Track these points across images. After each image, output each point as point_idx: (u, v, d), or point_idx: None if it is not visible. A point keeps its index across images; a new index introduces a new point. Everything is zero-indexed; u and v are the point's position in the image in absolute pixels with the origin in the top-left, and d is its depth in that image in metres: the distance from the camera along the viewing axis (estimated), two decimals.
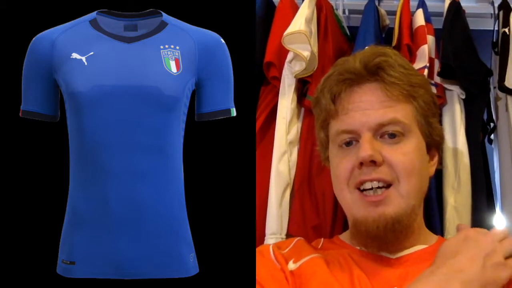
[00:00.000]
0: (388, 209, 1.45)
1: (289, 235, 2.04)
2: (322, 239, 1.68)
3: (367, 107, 1.51)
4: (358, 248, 1.56)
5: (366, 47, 1.67)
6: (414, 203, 1.50)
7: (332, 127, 1.58)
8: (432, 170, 1.62)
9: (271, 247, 1.55)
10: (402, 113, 1.51)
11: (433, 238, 1.62)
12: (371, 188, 1.47)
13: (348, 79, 1.55)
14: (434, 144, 1.61)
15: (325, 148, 1.65)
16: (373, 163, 1.46)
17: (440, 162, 1.69)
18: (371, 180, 1.46)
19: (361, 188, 1.48)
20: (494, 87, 2.28)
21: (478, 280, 1.25)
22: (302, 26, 2.10)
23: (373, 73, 1.54)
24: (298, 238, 1.64)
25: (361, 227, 1.47)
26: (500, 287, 1.27)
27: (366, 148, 1.45)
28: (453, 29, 2.24)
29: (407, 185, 1.47)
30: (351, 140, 1.51)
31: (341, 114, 1.54)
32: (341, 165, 1.52)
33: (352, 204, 1.51)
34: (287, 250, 1.56)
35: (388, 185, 1.47)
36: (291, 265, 1.49)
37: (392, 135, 1.49)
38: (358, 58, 1.56)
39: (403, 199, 1.46)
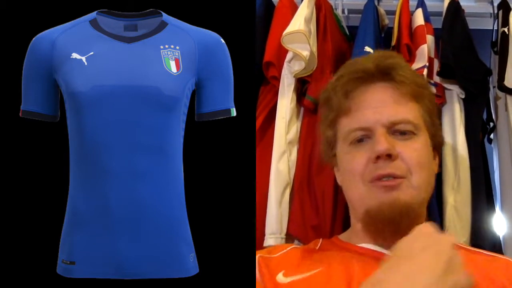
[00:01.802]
0: (401, 195, 1.48)
1: (288, 234, 2.04)
2: (321, 239, 1.68)
3: (379, 104, 1.56)
4: (359, 245, 1.56)
5: (374, 52, 1.70)
6: (424, 196, 1.54)
7: (343, 125, 1.61)
8: (436, 168, 1.65)
9: (257, 259, 1.55)
10: (412, 113, 1.56)
11: None
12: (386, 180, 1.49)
13: (361, 78, 1.60)
14: (436, 145, 1.64)
15: (332, 147, 1.66)
16: (389, 157, 1.48)
17: (440, 164, 1.71)
18: (387, 175, 1.48)
19: None
20: (494, 87, 2.28)
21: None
22: (302, 26, 2.10)
23: (385, 73, 1.59)
24: (292, 246, 1.64)
25: (378, 215, 1.49)
26: None
27: (383, 142, 1.49)
28: (453, 28, 2.25)
29: (419, 177, 1.51)
30: (363, 137, 1.54)
31: (354, 111, 1.58)
32: (355, 160, 1.54)
33: (366, 195, 1.52)
34: (277, 255, 1.56)
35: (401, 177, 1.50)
36: (281, 278, 1.49)
37: (403, 133, 1.53)
38: (370, 59, 1.62)
39: (414, 190, 1.50)
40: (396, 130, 1.53)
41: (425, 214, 1.60)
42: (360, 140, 1.56)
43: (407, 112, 1.55)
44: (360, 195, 1.55)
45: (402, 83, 1.57)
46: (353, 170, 1.55)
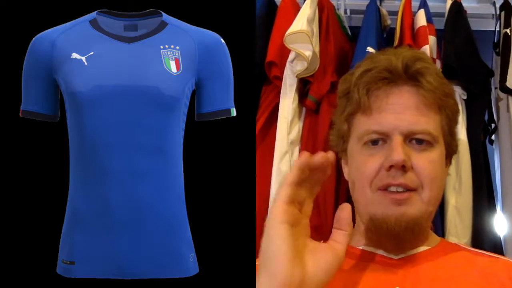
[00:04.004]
0: (409, 209, 1.44)
1: None
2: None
3: (402, 111, 1.50)
4: (360, 248, 1.55)
5: (401, 48, 1.65)
6: (431, 210, 1.50)
7: (360, 123, 1.55)
8: (446, 176, 1.63)
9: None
10: (433, 124, 1.51)
11: (436, 239, 1.61)
12: (396, 191, 1.46)
13: (387, 78, 1.53)
14: (451, 154, 1.61)
15: (344, 141, 1.63)
16: (403, 167, 1.45)
17: None
18: (397, 185, 1.45)
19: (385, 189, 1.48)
20: (496, 88, 2.28)
21: None
22: (304, 26, 2.10)
23: (413, 77, 1.53)
24: None
25: (382, 225, 1.46)
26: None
27: (400, 152, 1.44)
28: (455, 29, 2.25)
29: (429, 192, 1.46)
30: (378, 140, 1.51)
31: (374, 112, 1.52)
32: (367, 164, 1.51)
33: (372, 202, 1.48)
34: None
35: (412, 190, 1.47)
36: None
37: (420, 142, 1.49)
38: (399, 58, 1.54)
39: (423, 204, 1.46)
40: (413, 139, 1.49)
41: (429, 226, 1.59)
42: (374, 142, 1.52)
43: (428, 122, 1.50)
44: (366, 201, 1.52)
45: (429, 91, 1.51)
46: (363, 174, 1.51)
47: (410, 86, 1.52)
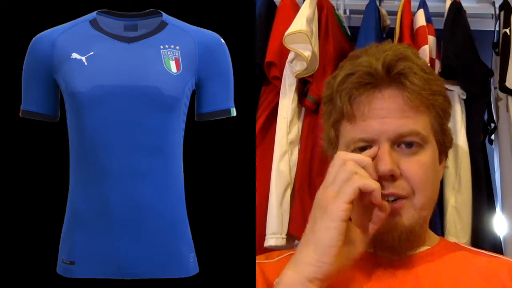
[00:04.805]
0: (402, 219, 1.41)
1: (289, 234, 2.04)
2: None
3: (387, 115, 1.45)
4: None
5: (385, 43, 1.61)
6: (426, 214, 1.47)
7: (346, 131, 1.52)
8: (441, 174, 1.61)
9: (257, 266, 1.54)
10: (421, 124, 1.46)
11: (435, 239, 1.60)
12: (387, 200, 1.44)
13: (369, 83, 1.48)
14: (445, 150, 1.59)
15: (333, 147, 1.61)
16: (391, 176, 1.43)
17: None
18: (388, 195, 1.43)
19: None
20: (495, 88, 2.28)
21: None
22: (303, 26, 2.11)
23: (395, 79, 1.47)
24: (291, 252, 1.60)
25: (375, 238, 1.44)
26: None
27: (387, 162, 1.40)
28: (454, 29, 2.25)
29: (422, 197, 1.43)
30: (366, 146, 1.48)
31: (358, 120, 1.48)
32: None
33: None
34: (274, 260, 1.55)
35: (403, 198, 1.45)
36: None
37: (410, 144, 1.46)
38: (380, 61, 1.48)
39: (416, 211, 1.43)
40: (402, 142, 1.44)
41: (426, 230, 1.57)
42: (362, 149, 1.49)
43: (416, 123, 1.45)
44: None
45: (413, 93, 1.45)
46: None
47: (394, 88, 1.47)
